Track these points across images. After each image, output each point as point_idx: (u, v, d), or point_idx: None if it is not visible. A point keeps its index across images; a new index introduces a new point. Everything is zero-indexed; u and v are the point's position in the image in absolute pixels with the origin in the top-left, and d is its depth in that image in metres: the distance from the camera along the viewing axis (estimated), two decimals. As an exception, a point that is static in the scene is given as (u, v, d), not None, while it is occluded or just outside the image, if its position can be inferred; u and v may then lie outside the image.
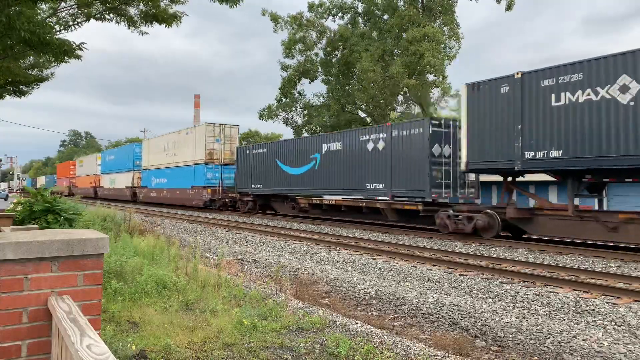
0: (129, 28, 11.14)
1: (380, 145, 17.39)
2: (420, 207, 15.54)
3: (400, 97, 34.98)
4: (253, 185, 24.94)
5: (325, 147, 20.18)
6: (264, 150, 24.55)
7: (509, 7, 29.10)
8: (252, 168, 25.10)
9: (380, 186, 17.32)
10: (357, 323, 5.92)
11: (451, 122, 15.92)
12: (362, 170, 18.09)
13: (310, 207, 21.29)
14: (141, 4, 10.55)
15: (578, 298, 7.19)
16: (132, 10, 10.86)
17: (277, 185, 23.20)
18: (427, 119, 15.91)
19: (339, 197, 19.56)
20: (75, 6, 11.08)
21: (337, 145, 19.49)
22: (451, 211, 14.49)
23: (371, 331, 5.57)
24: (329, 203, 20.01)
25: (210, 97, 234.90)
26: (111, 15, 10.86)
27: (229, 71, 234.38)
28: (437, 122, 15.74)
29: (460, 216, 14.11)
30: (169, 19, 10.83)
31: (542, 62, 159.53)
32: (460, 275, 9.09)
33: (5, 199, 48.30)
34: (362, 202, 18.15)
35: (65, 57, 10.22)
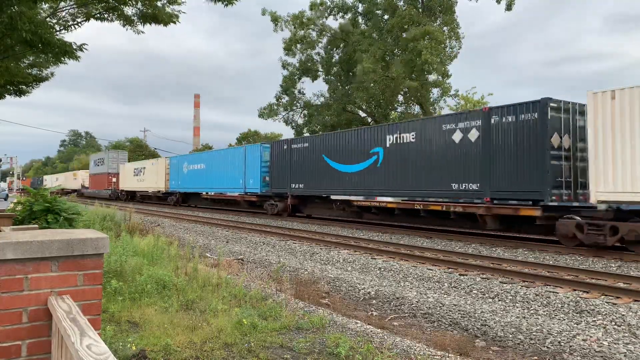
0: (124, 26, 11.18)
1: (473, 135, 14.18)
2: (538, 213, 12.36)
3: (400, 97, 35.01)
4: (293, 186, 22.10)
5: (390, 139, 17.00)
6: (306, 144, 21.73)
7: (508, 7, 29.12)
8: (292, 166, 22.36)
9: (474, 186, 14.03)
10: (357, 323, 5.92)
11: (570, 106, 12.79)
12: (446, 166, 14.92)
13: (359, 210, 18.90)
14: (139, 3, 10.58)
15: (578, 298, 7.19)
16: (130, 10, 10.89)
17: (321, 185, 20.30)
18: (545, 99, 12.53)
19: (400, 200, 16.54)
20: (75, 6, 11.09)
21: (408, 137, 16.30)
22: (579, 218, 11.64)
23: (371, 331, 5.57)
24: (383, 206, 17.31)
25: (223, 96, 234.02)
26: (110, 15, 10.88)
27: (244, 71, 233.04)
28: (555, 104, 12.54)
29: (599, 224, 11.11)
30: (166, 19, 10.86)
31: (563, 59, 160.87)
32: (460, 275, 9.09)
33: (5, 199, 48.18)
34: (452, 205, 14.65)
35: (65, 58, 10.23)
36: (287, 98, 37.97)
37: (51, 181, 67.64)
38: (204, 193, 29.99)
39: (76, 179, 57.92)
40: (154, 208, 32.83)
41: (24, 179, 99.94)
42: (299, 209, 23.21)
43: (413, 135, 16.07)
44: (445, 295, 7.80)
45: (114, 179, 44.91)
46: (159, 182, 36.18)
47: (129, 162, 46.59)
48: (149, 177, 38.08)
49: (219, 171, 27.74)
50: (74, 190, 56.92)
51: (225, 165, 27.23)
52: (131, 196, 42.94)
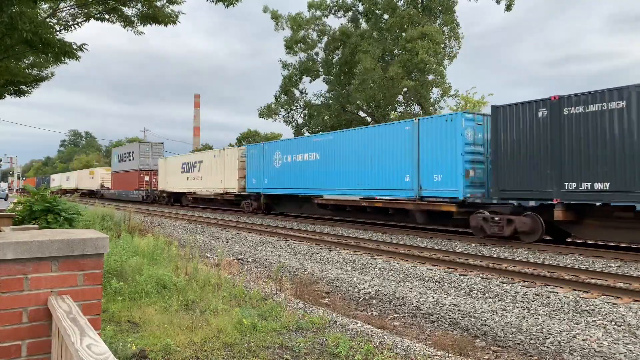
0: (124, 27, 11.21)
1: None
2: None
3: (400, 97, 35.03)
4: (568, 186, 11.53)
5: None
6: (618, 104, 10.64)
7: (508, 7, 29.15)
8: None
9: None
10: (357, 323, 5.92)
11: None
12: None
13: None
14: (139, 4, 10.61)
15: (578, 298, 7.19)
16: (130, 11, 10.93)
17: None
18: None
19: None
20: (75, 6, 11.10)
21: None
22: None
23: (371, 331, 5.58)
24: None
25: (223, 96, 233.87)
26: (110, 17, 10.90)
27: (245, 71, 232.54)
28: None
29: None
30: (166, 19, 10.90)
31: (564, 59, 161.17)
32: (460, 275, 9.09)
33: (5, 199, 48.07)
34: None
35: (65, 58, 10.24)
36: (286, 98, 37.99)
37: (61, 180, 59.24)
38: (319, 196, 20.37)
39: (93, 178, 48.96)
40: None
41: (24, 179, 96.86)
42: (563, 230, 12.90)
43: None
44: (445, 295, 7.80)
45: (147, 177, 36.29)
46: (227, 180, 26.74)
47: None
48: (209, 175, 28.65)
49: (354, 162, 18.22)
50: (91, 191, 48.11)
51: (367, 153, 17.65)
52: (175, 199, 33.88)
